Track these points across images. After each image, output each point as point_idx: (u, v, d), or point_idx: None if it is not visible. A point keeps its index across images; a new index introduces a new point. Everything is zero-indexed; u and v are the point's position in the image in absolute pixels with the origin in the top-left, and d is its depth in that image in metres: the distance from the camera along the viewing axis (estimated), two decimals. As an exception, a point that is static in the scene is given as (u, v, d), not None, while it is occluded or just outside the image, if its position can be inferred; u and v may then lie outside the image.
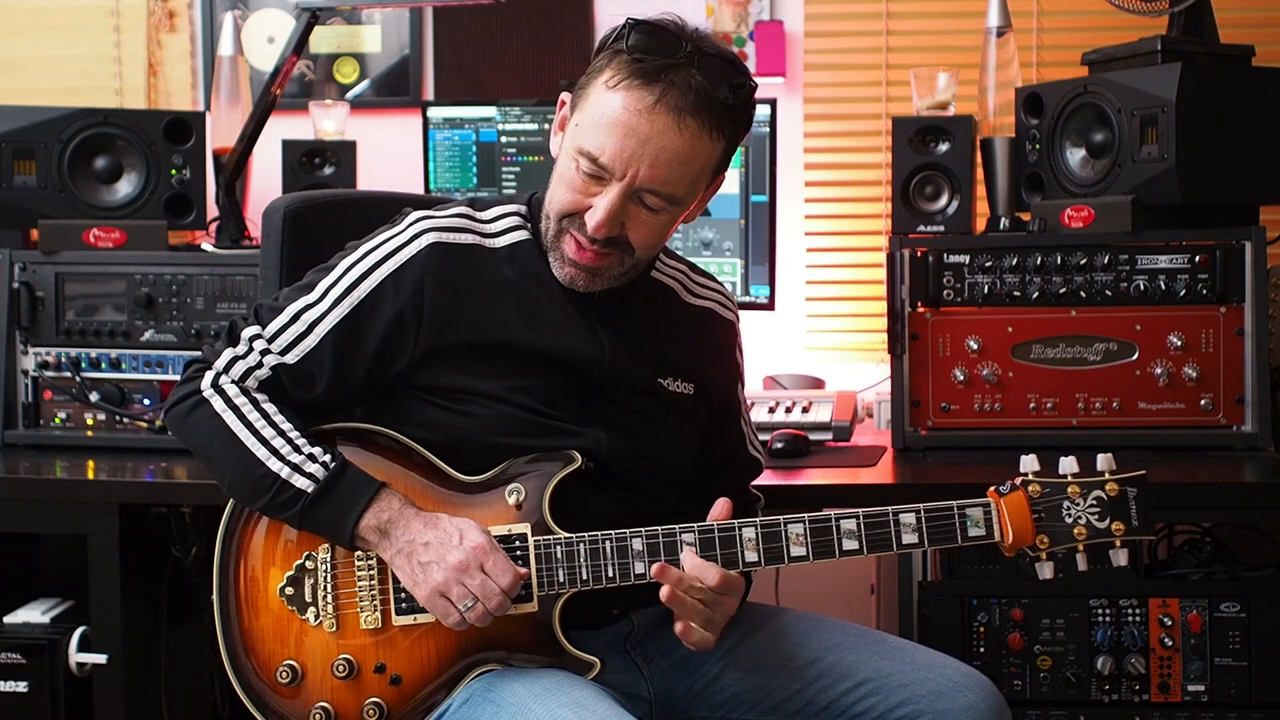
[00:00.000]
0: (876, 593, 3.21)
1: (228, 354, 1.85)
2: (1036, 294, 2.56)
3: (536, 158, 3.06)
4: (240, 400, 1.83)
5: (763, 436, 2.30)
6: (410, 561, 1.76)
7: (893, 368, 2.61)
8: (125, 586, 2.46)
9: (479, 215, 1.91)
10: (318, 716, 1.80)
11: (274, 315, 1.86)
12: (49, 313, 2.74)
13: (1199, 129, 2.50)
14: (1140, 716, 2.34)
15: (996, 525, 1.80)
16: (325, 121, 3.15)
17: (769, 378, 3.11)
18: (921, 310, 2.59)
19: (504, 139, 3.07)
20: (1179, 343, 2.52)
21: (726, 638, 1.87)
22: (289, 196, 2.19)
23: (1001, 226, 2.70)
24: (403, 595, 1.80)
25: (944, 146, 2.73)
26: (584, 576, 1.79)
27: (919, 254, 2.60)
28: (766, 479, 2.18)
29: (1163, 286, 2.53)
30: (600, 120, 1.76)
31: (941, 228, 2.71)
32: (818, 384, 3.11)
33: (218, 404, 1.83)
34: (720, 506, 1.81)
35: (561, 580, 1.79)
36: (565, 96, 1.86)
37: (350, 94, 3.46)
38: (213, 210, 2.93)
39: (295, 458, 1.79)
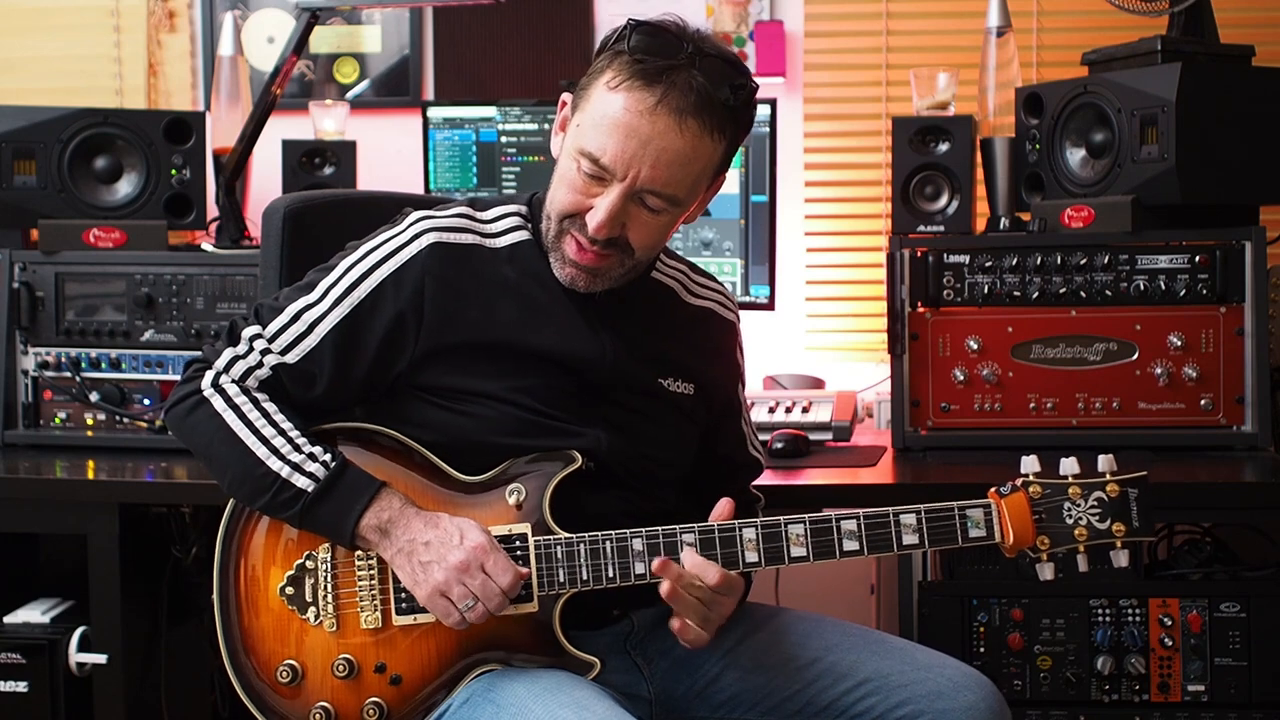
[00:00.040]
0: (876, 593, 3.21)
1: (228, 354, 1.85)
2: (1036, 294, 2.56)
3: (536, 158, 3.06)
4: (241, 399, 1.83)
5: (763, 436, 2.30)
6: (411, 561, 1.76)
7: (893, 368, 2.61)
8: (125, 586, 2.46)
9: (479, 215, 1.91)
10: (318, 716, 1.80)
11: (274, 315, 1.86)
12: (49, 313, 2.74)
13: (1199, 129, 2.50)
14: (1140, 716, 2.34)
15: (997, 526, 1.80)
16: (325, 121, 3.15)
17: (769, 378, 3.11)
18: (921, 310, 2.59)
19: (504, 139, 3.07)
20: (1179, 343, 2.52)
21: (726, 638, 1.88)
22: (289, 196, 2.20)
23: (1001, 226, 2.70)
24: (403, 595, 1.80)
25: (944, 146, 2.73)
26: (584, 576, 1.79)
27: (919, 254, 2.60)
28: (766, 479, 2.18)
29: (1163, 286, 2.53)
30: (601, 121, 1.76)
31: (941, 228, 2.71)
32: (818, 384, 3.11)
33: (218, 403, 1.83)
34: (722, 506, 1.81)
35: (562, 580, 1.79)
36: (566, 97, 1.86)
37: (350, 94, 3.46)
38: (213, 210, 2.93)
39: (296, 457, 1.79)
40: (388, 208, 1.98)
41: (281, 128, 3.09)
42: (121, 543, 2.44)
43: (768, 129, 2.89)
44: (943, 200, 2.73)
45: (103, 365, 2.74)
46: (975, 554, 2.40)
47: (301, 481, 1.78)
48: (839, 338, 3.35)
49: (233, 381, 1.84)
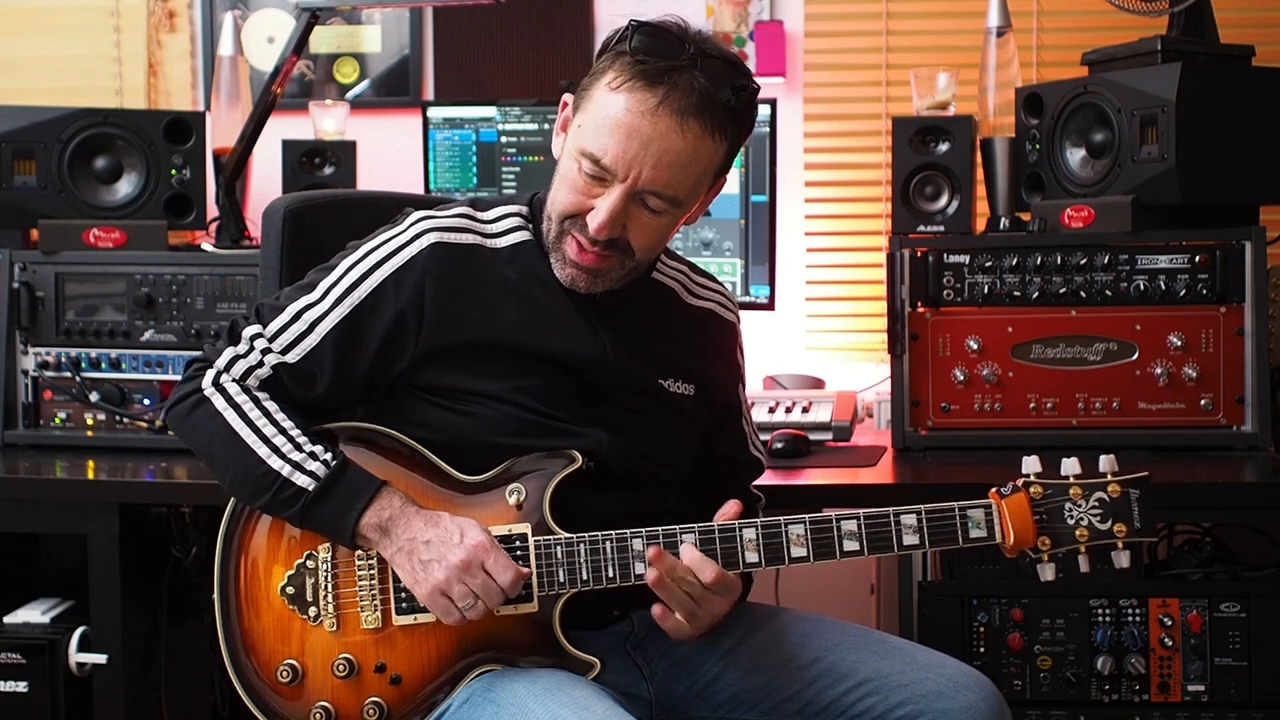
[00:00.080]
0: (876, 593, 3.21)
1: (229, 353, 1.86)
2: (1036, 294, 2.56)
3: (536, 158, 3.06)
4: (241, 398, 1.83)
5: (763, 436, 2.30)
6: (411, 560, 1.76)
7: (893, 368, 2.61)
8: (125, 586, 2.46)
9: (480, 215, 1.91)
10: (318, 716, 1.80)
11: (275, 314, 1.86)
12: (49, 313, 2.74)
13: (1199, 129, 2.50)
14: (1140, 716, 2.34)
15: (998, 527, 1.80)
16: (325, 121, 3.15)
17: (769, 378, 3.11)
18: (921, 310, 2.59)
19: (504, 139, 3.07)
20: (1179, 343, 2.52)
21: (726, 638, 1.88)
22: (289, 196, 2.20)
23: (1001, 226, 2.70)
24: (403, 595, 1.80)
25: (944, 146, 2.73)
26: (584, 577, 1.79)
27: (919, 254, 2.60)
28: (766, 479, 2.18)
29: (1163, 286, 2.53)
30: (603, 122, 1.76)
31: (941, 228, 2.71)
32: (818, 384, 3.11)
33: (219, 402, 1.83)
34: (729, 508, 1.81)
35: (562, 580, 1.79)
36: (568, 98, 1.86)
37: (350, 94, 3.46)
38: (213, 210, 2.93)
39: (296, 455, 1.79)
40: (388, 208, 1.98)
41: (281, 128, 3.09)
42: (121, 543, 2.44)
43: (768, 129, 2.89)
44: (943, 200, 2.73)
45: (103, 365, 2.74)
46: (975, 554, 2.40)
47: (302, 480, 1.78)
48: (839, 338, 3.35)
49: (233, 381, 1.84)
